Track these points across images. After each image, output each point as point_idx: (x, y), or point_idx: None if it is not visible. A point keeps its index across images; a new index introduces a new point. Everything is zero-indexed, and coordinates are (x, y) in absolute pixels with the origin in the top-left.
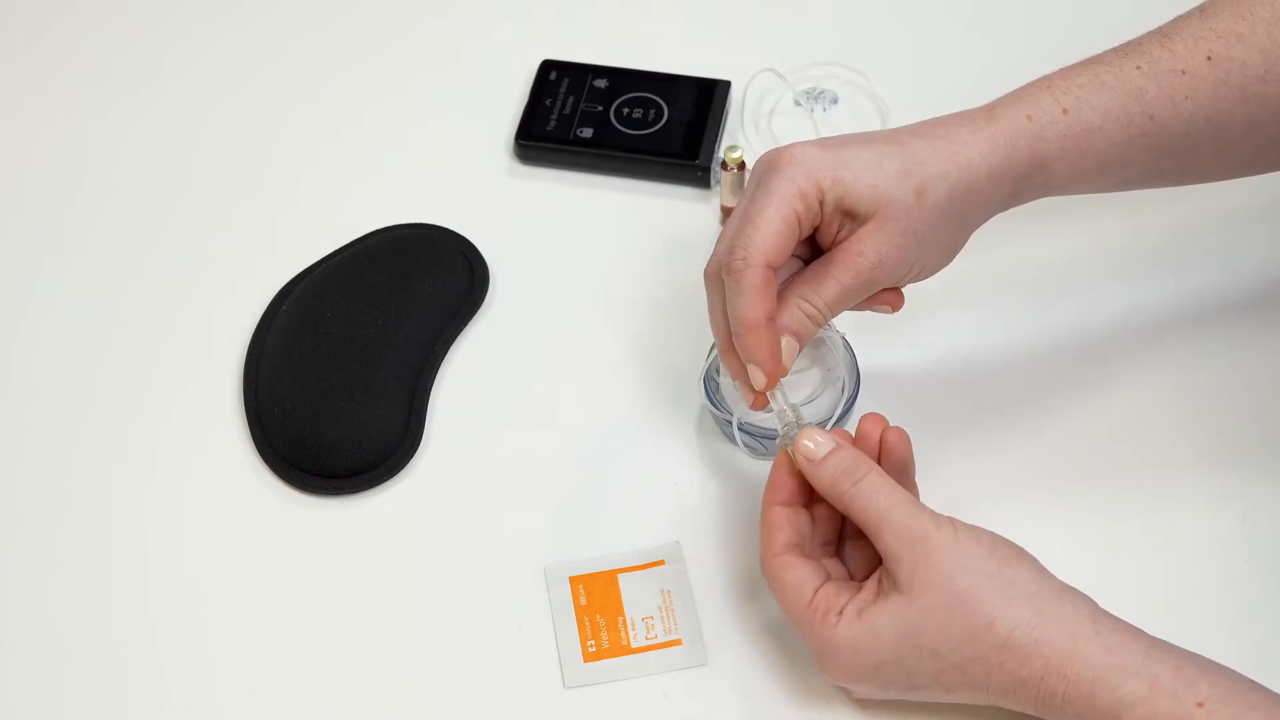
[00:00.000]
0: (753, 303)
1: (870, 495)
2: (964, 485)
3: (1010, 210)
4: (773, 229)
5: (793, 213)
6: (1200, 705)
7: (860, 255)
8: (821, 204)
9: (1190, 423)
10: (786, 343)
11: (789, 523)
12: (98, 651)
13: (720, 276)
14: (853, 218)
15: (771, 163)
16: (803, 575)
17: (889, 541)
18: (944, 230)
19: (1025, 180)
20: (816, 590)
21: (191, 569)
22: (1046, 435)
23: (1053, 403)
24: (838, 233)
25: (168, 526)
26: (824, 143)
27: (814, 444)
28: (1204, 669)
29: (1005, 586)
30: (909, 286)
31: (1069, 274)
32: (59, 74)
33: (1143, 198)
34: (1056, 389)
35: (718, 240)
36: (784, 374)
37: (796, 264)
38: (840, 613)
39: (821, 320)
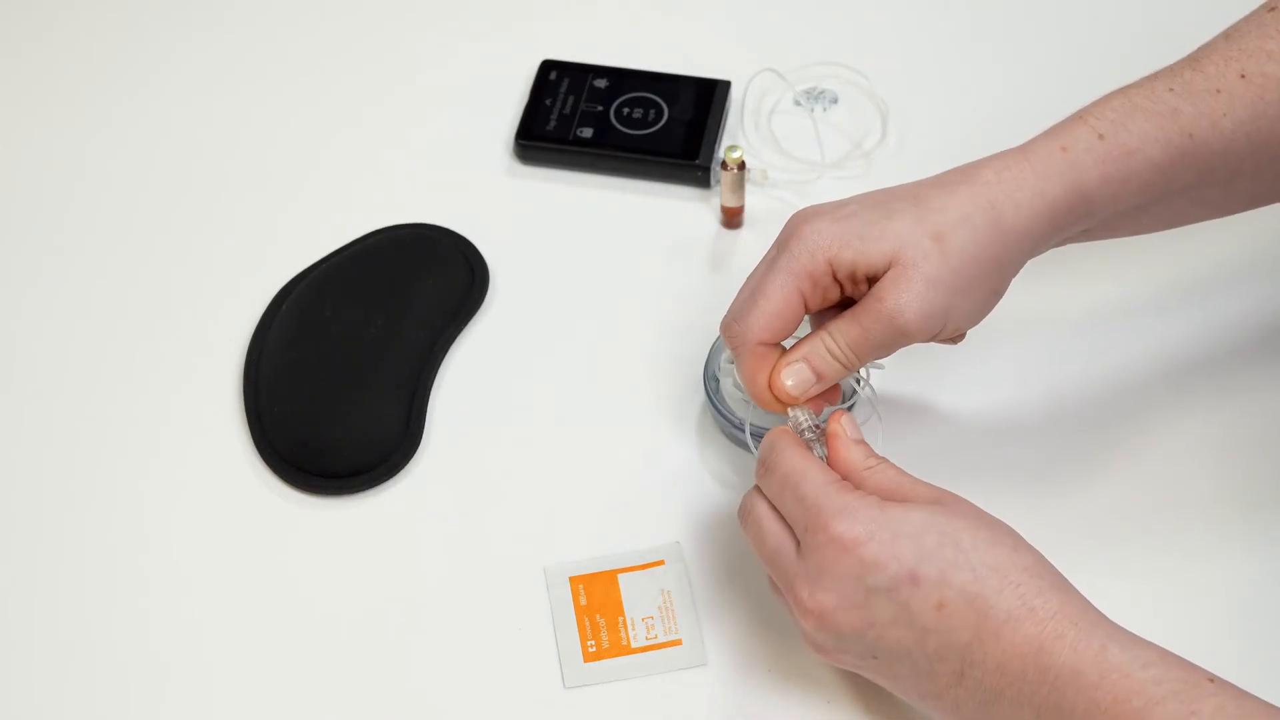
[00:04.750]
0: (750, 375)
1: (891, 471)
2: None
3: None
4: (772, 308)
5: (796, 293)
6: (1211, 680)
7: (880, 301)
8: (835, 277)
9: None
10: (799, 370)
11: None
12: (97, 652)
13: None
14: (876, 278)
15: (788, 235)
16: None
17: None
18: (977, 276)
19: (1067, 214)
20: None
21: (191, 569)
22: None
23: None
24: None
25: (167, 526)
26: (837, 214)
27: (853, 426)
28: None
29: (1027, 543)
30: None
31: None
32: (58, 74)
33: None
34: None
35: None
36: (797, 404)
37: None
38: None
39: (842, 359)
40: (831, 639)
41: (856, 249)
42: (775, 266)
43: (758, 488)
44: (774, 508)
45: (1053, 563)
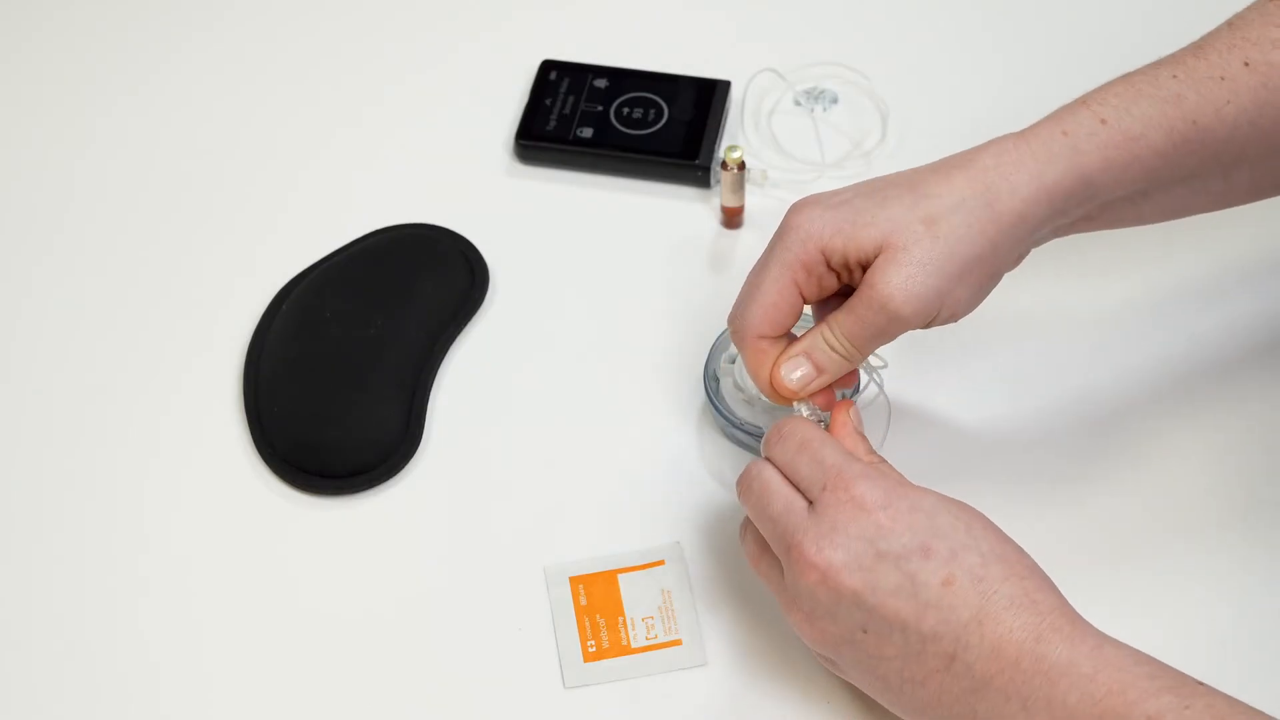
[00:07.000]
0: (754, 368)
1: (890, 470)
2: None
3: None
4: (768, 301)
5: (791, 284)
6: (1200, 684)
7: (871, 287)
8: (830, 265)
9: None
10: (799, 364)
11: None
12: (96, 652)
13: None
14: (868, 264)
15: (782, 226)
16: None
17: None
18: (971, 260)
19: (1066, 199)
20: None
21: (190, 569)
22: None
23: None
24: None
25: (167, 526)
26: (830, 202)
27: (857, 418)
28: None
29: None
30: (935, 331)
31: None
32: (57, 73)
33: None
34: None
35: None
36: (800, 398)
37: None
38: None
39: (841, 351)
40: (826, 601)
41: (847, 235)
42: (769, 258)
43: (765, 458)
44: (783, 474)
45: (1051, 569)
